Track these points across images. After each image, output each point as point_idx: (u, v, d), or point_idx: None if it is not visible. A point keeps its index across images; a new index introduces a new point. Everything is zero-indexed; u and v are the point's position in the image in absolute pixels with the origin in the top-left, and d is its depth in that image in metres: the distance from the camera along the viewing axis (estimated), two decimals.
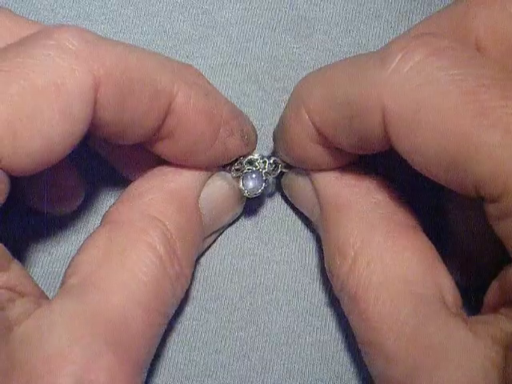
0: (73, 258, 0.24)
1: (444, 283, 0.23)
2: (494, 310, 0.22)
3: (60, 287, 0.23)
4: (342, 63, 0.24)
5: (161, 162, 0.27)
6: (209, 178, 0.27)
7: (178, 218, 0.25)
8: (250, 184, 0.28)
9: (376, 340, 0.22)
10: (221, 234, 0.30)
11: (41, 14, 0.33)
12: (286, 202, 0.31)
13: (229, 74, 0.32)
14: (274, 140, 0.29)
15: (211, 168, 0.27)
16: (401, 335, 0.21)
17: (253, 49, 0.33)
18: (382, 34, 0.32)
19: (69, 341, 0.20)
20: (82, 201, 0.30)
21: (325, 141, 0.25)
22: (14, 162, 0.20)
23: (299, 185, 0.28)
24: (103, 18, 0.33)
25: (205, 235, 0.28)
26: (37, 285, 0.23)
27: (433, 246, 0.24)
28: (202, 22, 0.33)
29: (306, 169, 0.27)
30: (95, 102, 0.22)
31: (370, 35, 0.32)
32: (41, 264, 0.30)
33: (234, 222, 0.30)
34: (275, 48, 0.32)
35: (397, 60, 0.21)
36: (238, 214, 0.30)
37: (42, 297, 0.23)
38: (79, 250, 0.24)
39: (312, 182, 0.27)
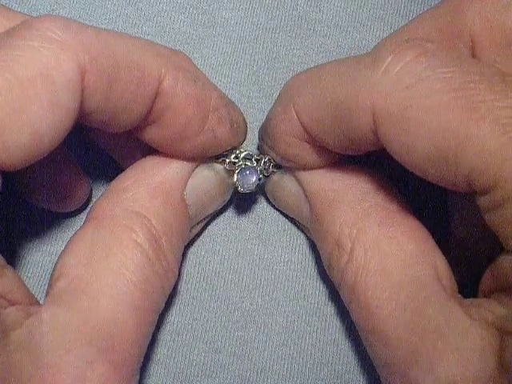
0: (58, 258, 0.24)
1: (440, 265, 0.23)
2: (487, 294, 0.22)
3: (48, 291, 0.23)
4: (333, 64, 0.24)
5: (152, 153, 0.27)
6: (194, 168, 0.27)
7: (164, 212, 0.25)
8: (246, 180, 0.28)
9: (376, 327, 0.22)
10: (219, 236, 0.30)
11: (41, 14, 0.33)
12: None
13: (228, 74, 0.32)
14: (260, 137, 0.29)
15: (201, 158, 0.27)
16: (400, 321, 0.21)
17: (253, 49, 0.33)
18: (381, 36, 0.32)
19: (61, 351, 0.20)
20: (86, 198, 0.30)
21: (312, 140, 0.25)
22: (4, 156, 0.20)
23: (285, 185, 0.28)
24: (103, 18, 0.33)
25: (191, 224, 0.28)
26: (28, 291, 0.23)
27: (426, 229, 0.24)
28: (202, 23, 0.33)
29: (292, 167, 0.27)
30: (82, 90, 0.22)
31: (370, 36, 0.32)
32: (41, 264, 0.30)
33: (233, 224, 0.31)
34: (275, 49, 0.33)
35: (387, 62, 0.21)
36: (225, 202, 0.30)
37: (32, 303, 0.23)
38: (64, 249, 0.24)
39: (298, 180, 0.27)
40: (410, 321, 0.21)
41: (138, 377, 0.23)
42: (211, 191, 0.28)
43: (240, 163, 0.28)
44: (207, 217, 0.29)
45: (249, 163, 0.28)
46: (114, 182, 0.26)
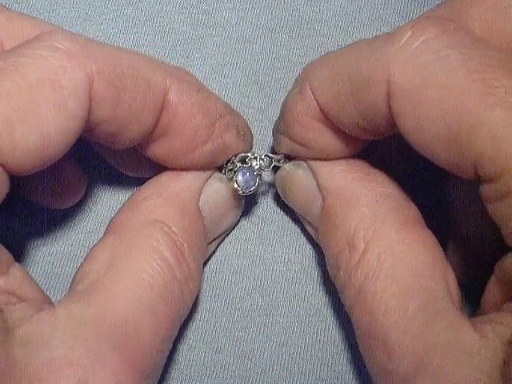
0: (78, 268, 0.24)
1: (450, 280, 0.23)
2: (496, 307, 0.21)
3: (66, 295, 0.23)
4: (349, 45, 0.24)
5: (159, 167, 0.27)
6: (206, 181, 0.27)
7: (182, 220, 0.25)
8: (242, 180, 0.27)
9: (380, 334, 0.22)
10: (223, 240, 0.30)
11: (41, 15, 0.33)
12: (287, 203, 0.31)
13: (229, 74, 0.32)
14: (274, 133, 0.28)
15: (210, 167, 0.27)
16: (407, 330, 0.21)
17: (253, 49, 0.33)
18: None
19: (72, 343, 0.20)
20: (82, 195, 0.30)
21: (327, 120, 0.25)
22: (13, 159, 0.20)
23: (298, 177, 0.28)
24: (103, 18, 0.33)
25: (208, 240, 0.28)
26: (40, 290, 0.23)
27: (438, 242, 0.24)
28: (202, 23, 0.33)
29: (308, 156, 0.27)
30: (90, 99, 0.22)
31: (370, 36, 0.32)
32: (41, 264, 0.30)
33: (234, 226, 0.30)
34: (275, 49, 0.33)
35: (407, 36, 0.21)
36: (238, 217, 0.30)
37: (45, 302, 0.23)
38: (84, 260, 0.24)
39: (315, 175, 0.27)
40: (417, 332, 0.21)
41: (154, 382, 0.23)
42: (224, 204, 0.28)
43: (236, 168, 0.28)
44: (222, 233, 0.29)
45: (246, 165, 0.28)
46: (130, 197, 0.26)
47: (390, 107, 0.21)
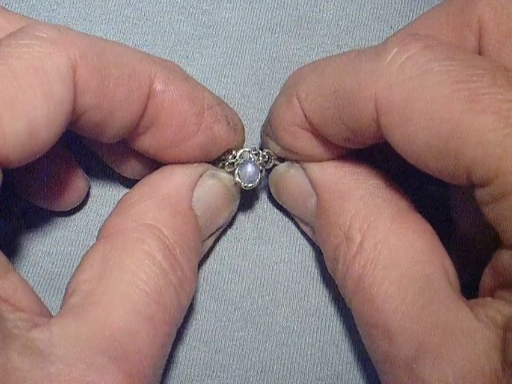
0: (71, 277, 0.23)
1: (447, 264, 0.23)
2: (490, 293, 0.22)
3: (60, 308, 0.23)
4: (336, 56, 0.25)
5: (157, 167, 0.27)
6: (199, 178, 0.27)
7: (174, 222, 0.25)
8: (247, 173, 0.27)
9: (381, 321, 0.22)
10: (220, 236, 0.30)
11: (41, 15, 0.33)
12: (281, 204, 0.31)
13: (228, 74, 0.32)
14: (263, 131, 0.29)
15: (203, 160, 0.27)
16: (406, 315, 0.21)
17: (253, 50, 0.33)
18: (382, 35, 0.32)
19: (71, 359, 0.20)
20: (84, 196, 0.30)
21: (315, 129, 0.25)
22: (2, 148, 0.20)
23: (291, 177, 0.28)
24: (103, 18, 0.33)
25: (203, 238, 0.28)
26: (37, 299, 0.23)
27: (433, 229, 0.24)
28: (202, 23, 0.33)
29: (296, 159, 0.27)
30: (75, 85, 0.22)
31: (371, 36, 0.32)
32: (41, 264, 0.30)
33: (233, 224, 0.30)
34: (275, 49, 0.33)
35: (393, 53, 0.21)
36: (233, 213, 0.29)
37: (41, 313, 0.22)
38: (77, 269, 0.24)
39: (307, 173, 0.27)
40: (416, 316, 0.21)
41: None
42: (218, 200, 0.28)
43: (238, 161, 0.28)
44: (217, 230, 0.29)
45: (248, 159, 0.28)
46: (121, 200, 0.26)
47: (378, 122, 0.22)
